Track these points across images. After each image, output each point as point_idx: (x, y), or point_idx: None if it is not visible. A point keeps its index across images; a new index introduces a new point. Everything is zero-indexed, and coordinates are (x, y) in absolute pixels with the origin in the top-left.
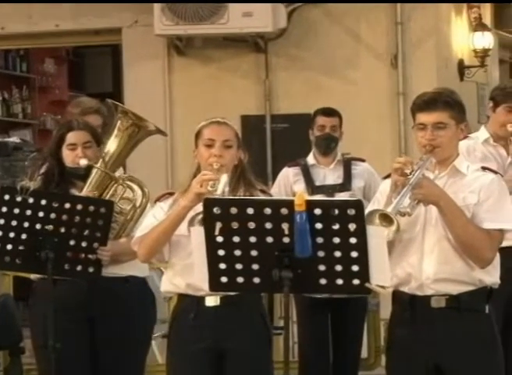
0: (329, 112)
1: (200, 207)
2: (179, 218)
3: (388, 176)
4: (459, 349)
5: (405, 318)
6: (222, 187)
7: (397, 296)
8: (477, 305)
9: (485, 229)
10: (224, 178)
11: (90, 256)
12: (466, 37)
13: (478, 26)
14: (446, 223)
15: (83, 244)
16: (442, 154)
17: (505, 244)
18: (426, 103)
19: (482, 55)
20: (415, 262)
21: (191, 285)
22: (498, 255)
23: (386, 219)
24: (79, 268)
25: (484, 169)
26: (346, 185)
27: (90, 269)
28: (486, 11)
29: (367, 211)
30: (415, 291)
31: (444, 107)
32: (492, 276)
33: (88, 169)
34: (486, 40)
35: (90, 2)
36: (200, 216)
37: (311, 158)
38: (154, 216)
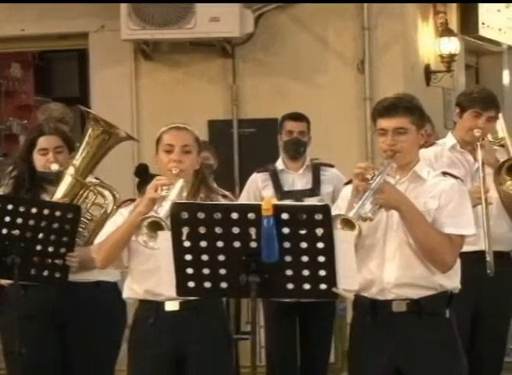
0: (297, 117)
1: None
2: (134, 224)
3: (349, 182)
4: (420, 353)
5: (366, 322)
6: (176, 192)
7: (358, 301)
8: (437, 310)
9: (446, 234)
10: (179, 183)
11: (56, 261)
12: (432, 43)
13: (445, 31)
14: (407, 228)
15: (50, 249)
16: (403, 159)
17: (469, 249)
18: (387, 109)
19: (448, 60)
20: (377, 267)
21: (149, 291)
22: (458, 259)
23: (348, 224)
24: (45, 273)
25: (444, 174)
26: (314, 190)
27: (57, 275)
28: (452, 16)
29: None
30: (376, 296)
31: (404, 112)
32: (452, 280)
33: (59, 175)
34: (452, 45)
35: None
36: (147, 221)
37: (279, 164)
38: (115, 223)
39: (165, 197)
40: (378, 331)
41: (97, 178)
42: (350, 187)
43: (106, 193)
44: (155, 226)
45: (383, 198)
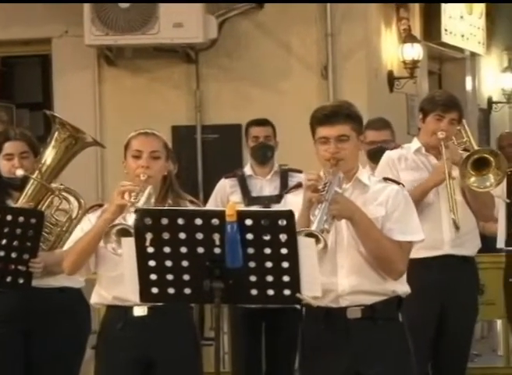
0: (262, 123)
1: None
2: (101, 230)
3: (289, 191)
4: (377, 357)
5: (320, 330)
6: (144, 198)
7: (311, 309)
8: (391, 314)
9: (396, 241)
10: (148, 189)
11: (20, 267)
12: (395, 49)
13: (408, 37)
14: (359, 237)
15: (13, 255)
16: (346, 166)
17: (433, 253)
18: (327, 117)
19: (411, 66)
20: (329, 275)
21: (117, 297)
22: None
23: (313, 238)
24: (8, 279)
25: (386, 179)
26: (282, 196)
27: (20, 281)
28: (415, 23)
29: None
30: (330, 304)
31: (345, 120)
32: (403, 285)
33: (24, 180)
34: (415, 51)
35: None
36: (116, 229)
37: (248, 169)
38: (82, 229)
39: (133, 203)
40: (333, 339)
41: (61, 184)
42: (291, 197)
43: (71, 198)
44: (124, 233)
45: (337, 209)
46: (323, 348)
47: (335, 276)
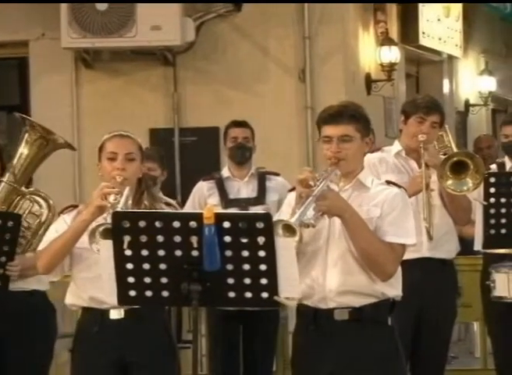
0: (241, 124)
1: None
2: (79, 231)
3: (293, 189)
4: (362, 361)
5: (309, 331)
6: (123, 200)
7: (301, 310)
8: (379, 317)
9: (388, 242)
10: (126, 191)
11: None
12: (373, 52)
13: (385, 40)
14: (349, 236)
15: None
16: (348, 167)
17: (411, 256)
18: (332, 116)
19: (389, 69)
20: (318, 274)
21: (94, 298)
22: (400, 268)
23: (289, 229)
24: None
25: (388, 183)
26: (260, 199)
27: None
28: (393, 26)
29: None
30: (318, 304)
31: (350, 120)
32: (394, 288)
33: None
34: (393, 54)
35: None
36: (102, 228)
37: (225, 172)
38: (57, 230)
39: (113, 204)
40: (320, 340)
41: (28, 186)
42: (294, 194)
43: (41, 201)
44: (109, 234)
45: (326, 205)
46: (311, 349)
47: (324, 274)
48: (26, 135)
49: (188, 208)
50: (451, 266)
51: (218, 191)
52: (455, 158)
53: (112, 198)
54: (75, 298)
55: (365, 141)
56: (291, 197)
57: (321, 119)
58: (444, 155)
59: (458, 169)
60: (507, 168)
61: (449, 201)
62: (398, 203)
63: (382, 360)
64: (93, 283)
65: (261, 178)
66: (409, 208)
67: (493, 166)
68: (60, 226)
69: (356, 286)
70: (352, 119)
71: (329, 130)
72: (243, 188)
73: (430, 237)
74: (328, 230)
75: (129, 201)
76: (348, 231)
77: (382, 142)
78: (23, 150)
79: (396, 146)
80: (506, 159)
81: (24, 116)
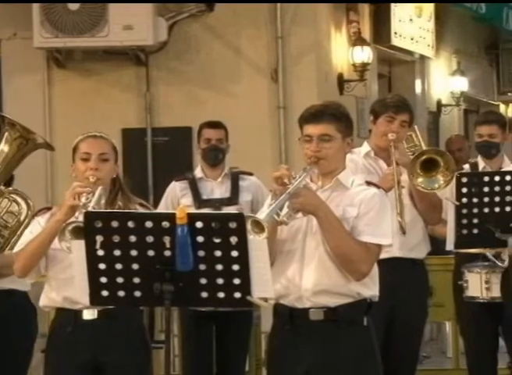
0: (215, 125)
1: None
2: (53, 231)
3: None
4: (337, 362)
5: (285, 331)
6: (96, 199)
7: (278, 309)
8: (355, 318)
9: (363, 242)
10: (99, 190)
11: None
12: (345, 52)
13: (357, 40)
14: (324, 234)
15: None
16: (328, 166)
17: (382, 256)
18: (313, 115)
19: (361, 69)
20: (295, 274)
21: (68, 299)
22: (376, 268)
23: (258, 226)
24: None
25: (368, 183)
26: (233, 199)
27: None
28: (365, 26)
29: None
30: (294, 304)
31: (330, 119)
32: (370, 289)
33: None
34: (365, 54)
35: None
36: (71, 226)
37: (198, 172)
38: (31, 232)
39: (85, 204)
40: (296, 340)
41: (5, 185)
42: None
43: (20, 201)
44: (79, 233)
45: (299, 202)
46: (287, 349)
47: (301, 273)
48: (6, 134)
49: (161, 208)
50: (422, 266)
51: (191, 191)
52: (425, 156)
53: (84, 198)
54: (48, 299)
55: (347, 141)
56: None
57: (302, 118)
58: (413, 154)
59: (428, 166)
60: (480, 168)
61: (420, 200)
62: (376, 204)
63: (357, 360)
64: (68, 284)
65: (235, 178)
66: (387, 209)
67: (466, 166)
68: (34, 229)
69: (331, 285)
70: (333, 119)
71: (310, 129)
72: (216, 188)
73: (403, 231)
74: (305, 229)
75: (102, 201)
76: (322, 229)
77: (355, 142)
78: (3, 148)
79: (365, 147)
80: (479, 159)
81: (4, 114)
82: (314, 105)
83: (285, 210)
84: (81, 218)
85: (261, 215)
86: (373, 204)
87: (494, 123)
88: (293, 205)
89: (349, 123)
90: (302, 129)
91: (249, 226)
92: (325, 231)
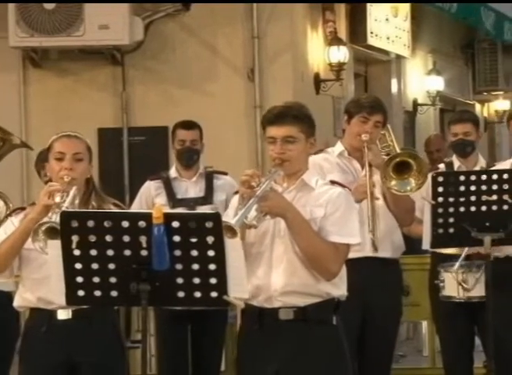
0: (189, 126)
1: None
2: (27, 230)
3: (238, 192)
4: (307, 360)
5: (254, 331)
6: (70, 199)
7: (245, 310)
8: (324, 317)
9: (331, 242)
10: (73, 190)
11: None
12: (322, 52)
13: (334, 40)
14: (292, 236)
15: None
16: (292, 168)
17: (354, 255)
18: (276, 117)
19: (338, 68)
20: (264, 274)
21: (42, 299)
22: (345, 268)
23: (230, 230)
24: None
25: (332, 183)
26: (207, 198)
27: None
28: (341, 25)
29: None
30: (264, 304)
31: (293, 121)
32: (339, 288)
33: None
34: (341, 54)
35: None
36: (45, 227)
37: (173, 172)
38: (5, 232)
39: (59, 203)
40: (265, 340)
41: None
42: (238, 196)
43: None
44: (52, 233)
45: (268, 206)
46: (256, 349)
47: (269, 275)
48: None
49: (135, 208)
50: (395, 265)
51: (166, 190)
52: (398, 159)
53: (58, 197)
54: (22, 299)
55: (310, 142)
56: (235, 199)
57: (265, 120)
58: (387, 154)
59: (401, 169)
60: (455, 167)
61: (393, 202)
62: (342, 203)
63: (326, 359)
64: (41, 284)
65: (209, 178)
66: (353, 208)
67: (441, 166)
68: (8, 228)
69: (300, 285)
70: (295, 120)
71: (273, 131)
72: (190, 188)
73: (375, 249)
74: (273, 231)
75: (76, 201)
76: (291, 231)
77: (331, 142)
78: None
79: (339, 147)
80: (454, 158)
81: None
82: (276, 106)
83: (253, 213)
84: (54, 218)
85: (233, 219)
86: (339, 204)
87: (468, 121)
88: (262, 208)
89: (311, 124)
90: (265, 130)
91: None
92: (294, 233)
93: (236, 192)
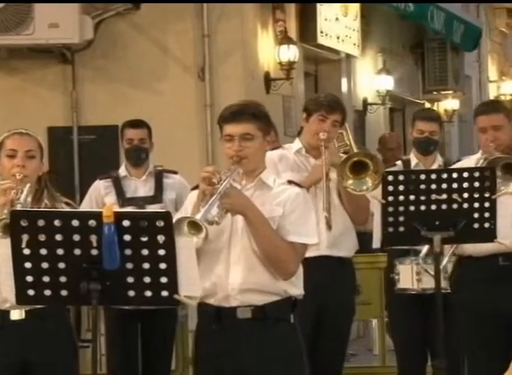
0: (137, 125)
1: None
2: None
3: (196, 187)
4: (265, 359)
5: (212, 330)
6: (24, 196)
7: (203, 309)
8: (282, 315)
9: (290, 242)
10: (26, 188)
11: None
12: (272, 50)
13: (284, 39)
14: (252, 234)
15: None
16: (250, 165)
17: (310, 254)
18: (233, 115)
19: (288, 67)
20: (221, 272)
21: None
22: (301, 266)
23: (195, 226)
24: None
25: (290, 182)
26: (157, 197)
27: None
28: (291, 24)
29: (175, 219)
30: (221, 303)
31: (251, 119)
32: (296, 287)
33: None
34: (291, 53)
35: None
36: (1, 224)
37: (122, 170)
38: None
39: (13, 201)
40: (223, 339)
41: None
42: (196, 192)
43: None
44: (7, 230)
45: (229, 203)
46: (214, 348)
47: (227, 273)
48: None
49: (85, 207)
50: (349, 264)
51: (115, 189)
52: (355, 159)
53: (11, 195)
54: None
55: (266, 140)
56: (193, 195)
57: (222, 118)
58: (344, 153)
59: (357, 169)
60: (412, 165)
61: (348, 201)
62: (300, 203)
63: (285, 357)
64: None
65: (159, 176)
66: (310, 208)
67: (399, 163)
68: None
69: (258, 284)
70: (253, 118)
71: (230, 129)
72: (140, 187)
73: (329, 227)
74: (230, 228)
75: (29, 199)
76: (250, 229)
77: (282, 140)
78: None
79: (297, 144)
80: (412, 156)
81: None
82: (233, 104)
83: (215, 210)
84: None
85: (197, 215)
86: (297, 203)
87: (436, 120)
88: (224, 205)
89: (268, 122)
90: (222, 129)
91: (185, 227)
92: (253, 231)
93: (194, 188)
